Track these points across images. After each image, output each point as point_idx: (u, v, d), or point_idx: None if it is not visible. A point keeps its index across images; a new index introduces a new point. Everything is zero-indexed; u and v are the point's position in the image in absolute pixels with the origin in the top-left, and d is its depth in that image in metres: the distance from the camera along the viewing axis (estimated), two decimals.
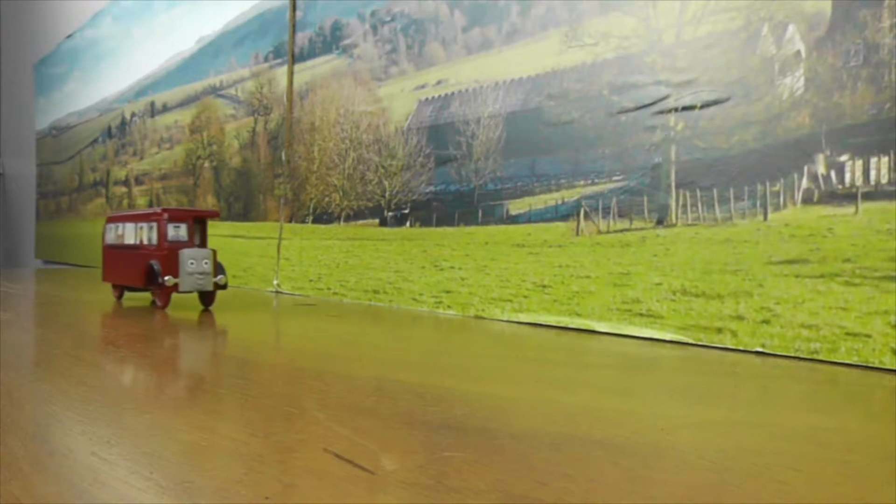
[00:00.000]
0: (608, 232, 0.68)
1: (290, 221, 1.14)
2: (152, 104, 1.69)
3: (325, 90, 1.09)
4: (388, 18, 0.98)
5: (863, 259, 0.51)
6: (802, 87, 0.56)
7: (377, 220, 0.97)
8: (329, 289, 1.02)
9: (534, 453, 0.29)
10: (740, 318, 0.58)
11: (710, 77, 0.61)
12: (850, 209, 0.53)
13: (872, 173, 0.52)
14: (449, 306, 0.84)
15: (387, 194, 0.95)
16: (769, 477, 0.27)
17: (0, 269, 2.23)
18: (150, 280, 0.82)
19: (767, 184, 0.57)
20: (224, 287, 0.82)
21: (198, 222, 0.84)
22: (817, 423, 0.36)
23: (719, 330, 0.59)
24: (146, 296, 0.96)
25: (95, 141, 2.02)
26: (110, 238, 0.93)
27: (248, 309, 0.88)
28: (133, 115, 1.80)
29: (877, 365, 0.50)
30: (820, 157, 0.54)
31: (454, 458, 0.29)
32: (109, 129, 1.93)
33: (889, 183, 0.51)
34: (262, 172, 1.24)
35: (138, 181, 1.73)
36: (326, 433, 0.32)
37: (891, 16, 0.51)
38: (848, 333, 0.52)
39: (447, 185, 0.86)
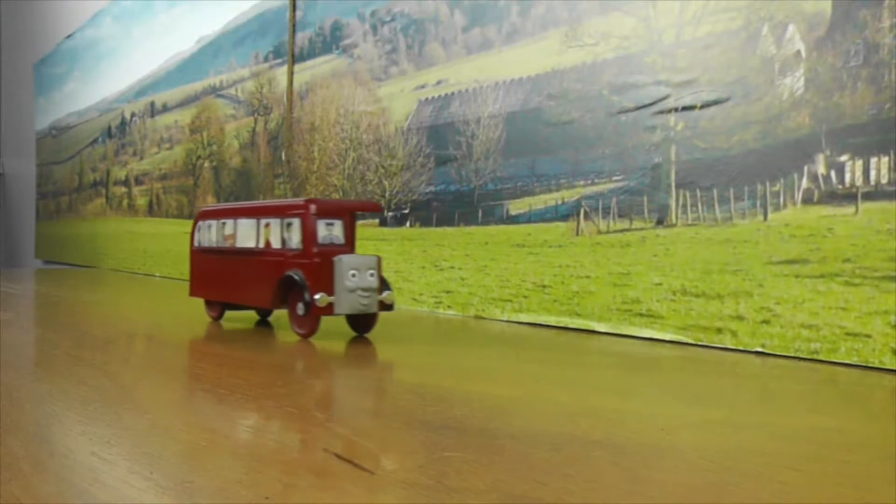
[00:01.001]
0: (608, 232, 0.68)
1: None
2: (152, 104, 1.69)
3: (325, 90, 1.09)
4: (388, 18, 0.98)
5: (863, 259, 0.51)
6: (802, 87, 0.56)
7: (377, 220, 0.97)
8: None
9: (534, 453, 0.29)
10: (740, 318, 0.58)
11: (710, 77, 0.61)
12: (850, 209, 0.53)
13: (872, 173, 0.52)
14: (449, 306, 0.84)
15: (387, 194, 0.95)
16: (769, 477, 0.27)
17: (0, 269, 2.23)
18: (285, 298, 0.61)
19: (767, 184, 0.57)
20: (391, 307, 0.60)
21: (344, 218, 0.62)
22: (817, 423, 0.36)
23: (719, 330, 0.59)
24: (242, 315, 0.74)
25: (95, 141, 2.02)
26: (208, 238, 0.71)
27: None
28: (133, 115, 1.80)
29: (877, 365, 0.50)
30: (820, 157, 0.54)
31: (454, 458, 0.29)
32: (109, 129, 1.93)
33: (889, 183, 0.51)
34: (262, 172, 1.24)
35: (138, 181, 1.73)
36: (326, 433, 0.32)
37: (891, 16, 0.51)
38: (848, 333, 0.52)
39: (447, 185, 0.86)
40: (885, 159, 0.51)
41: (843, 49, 0.53)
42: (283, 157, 1.17)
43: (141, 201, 1.71)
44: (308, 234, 0.58)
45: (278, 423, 0.34)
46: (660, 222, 0.64)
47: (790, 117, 0.56)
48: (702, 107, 0.61)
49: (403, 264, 0.91)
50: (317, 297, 0.56)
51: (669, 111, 0.63)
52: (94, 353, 0.54)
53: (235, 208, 0.68)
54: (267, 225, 0.63)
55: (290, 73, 1.17)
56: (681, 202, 0.63)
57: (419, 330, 0.72)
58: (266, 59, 1.26)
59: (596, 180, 0.70)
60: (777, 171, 0.57)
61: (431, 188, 0.89)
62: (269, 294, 0.61)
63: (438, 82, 0.89)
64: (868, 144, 0.52)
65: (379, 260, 0.59)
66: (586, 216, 0.70)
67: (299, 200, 0.60)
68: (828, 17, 0.54)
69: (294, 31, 1.18)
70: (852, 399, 0.44)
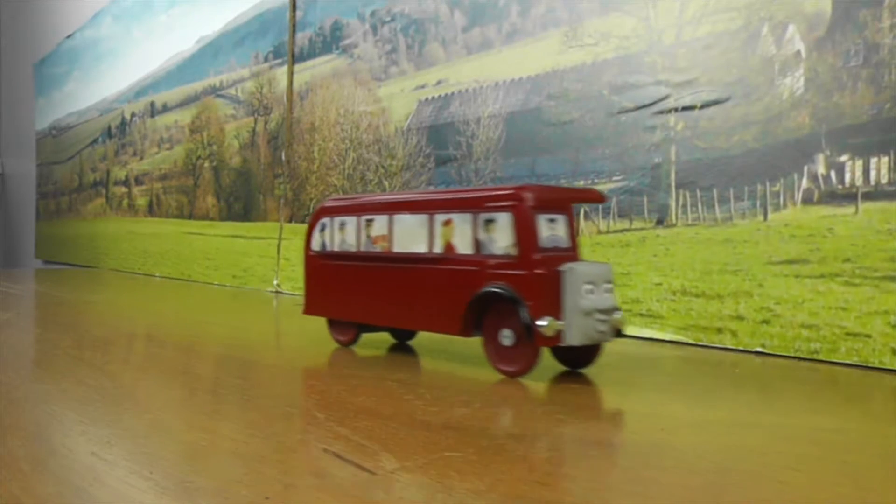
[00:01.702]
0: (608, 232, 0.68)
1: (290, 221, 1.14)
2: (152, 104, 1.69)
3: (325, 90, 1.09)
4: (388, 18, 0.98)
5: (863, 259, 0.51)
6: (802, 87, 0.56)
7: None
8: None
9: (534, 453, 0.29)
10: (740, 318, 0.58)
11: (710, 77, 0.61)
12: (850, 209, 0.53)
13: (872, 173, 0.52)
14: None
15: None
16: (769, 477, 0.27)
17: (0, 269, 2.23)
18: (479, 322, 0.46)
19: (767, 184, 0.57)
20: (621, 333, 0.44)
21: (566, 212, 0.46)
22: (817, 423, 0.36)
23: (719, 330, 0.59)
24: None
25: (95, 141, 2.02)
26: (340, 241, 0.54)
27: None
28: (133, 115, 1.80)
29: (877, 365, 0.50)
30: (820, 157, 0.54)
31: (454, 458, 0.29)
32: (109, 129, 1.93)
33: (889, 183, 0.51)
34: (262, 172, 1.24)
35: (138, 181, 1.73)
36: (326, 433, 0.32)
37: (891, 16, 0.51)
38: (848, 333, 0.52)
39: (447, 185, 0.86)
40: (885, 159, 0.51)
41: (843, 49, 0.53)
42: (283, 157, 1.17)
43: (141, 201, 1.71)
44: (526, 235, 0.43)
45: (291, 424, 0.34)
46: (660, 222, 0.64)
47: (790, 117, 0.56)
48: (702, 107, 0.61)
49: None
50: (543, 321, 0.41)
51: (669, 111, 0.63)
52: (94, 353, 0.54)
53: (389, 201, 0.51)
54: (447, 222, 0.47)
55: (290, 73, 1.17)
56: (681, 202, 0.63)
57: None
58: (266, 59, 1.26)
59: (596, 180, 0.70)
60: (777, 171, 0.57)
61: (431, 188, 0.88)
62: (457, 316, 0.45)
63: (438, 82, 0.89)
64: (868, 144, 0.52)
65: (612, 269, 0.45)
66: (586, 216, 0.70)
67: (506, 188, 0.44)
68: (828, 17, 0.54)
69: (294, 31, 1.18)
70: (852, 399, 0.44)
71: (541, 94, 0.75)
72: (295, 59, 1.17)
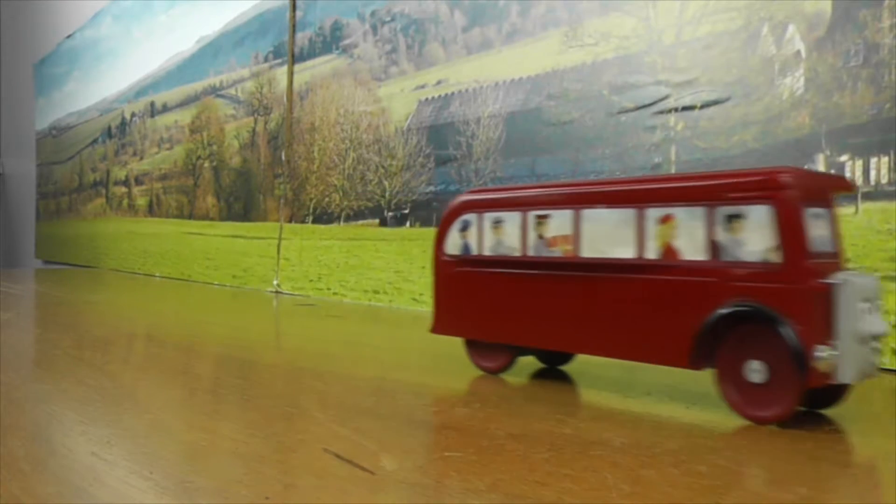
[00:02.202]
0: None
1: (290, 221, 1.15)
2: (152, 104, 1.69)
3: (325, 90, 1.09)
4: (388, 18, 0.98)
5: (863, 259, 0.51)
6: (802, 87, 0.56)
7: (377, 220, 0.97)
8: (329, 289, 1.02)
9: (534, 453, 0.29)
10: None
11: (710, 77, 0.61)
12: (850, 209, 0.53)
13: (872, 173, 0.52)
14: None
15: (387, 194, 0.95)
16: (769, 477, 0.27)
17: (0, 269, 2.23)
18: (712, 350, 0.35)
19: None
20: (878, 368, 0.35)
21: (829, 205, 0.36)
22: (817, 422, 0.36)
23: None
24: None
25: (95, 141, 2.02)
26: (493, 244, 0.44)
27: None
28: (133, 115, 1.80)
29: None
30: (820, 157, 0.54)
31: (454, 458, 0.29)
32: (109, 129, 1.93)
33: (889, 183, 0.51)
34: (262, 172, 1.24)
35: (138, 181, 1.73)
36: (326, 433, 0.32)
37: (891, 16, 0.51)
38: None
39: (447, 185, 0.86)
40: (885, 159, 0.51)
41: (843, 49, 0.53)
42: (283, 157, 1.17)
43: (141, 201, 1.71)
44: (794, 235, 0.33)
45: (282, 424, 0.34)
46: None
47: (790, 117, 0.56)
48: (702, 107, 0.61)
49: (403, 264, 0.91)
50: (821, 352, 0.32)
51: (669, 111, 0.63)
52: (94, 353, 0.55)
53: (574, 192, 0.40)
54: (665, 219, 0.36)
55: (290, 73, 1.17)
56: None
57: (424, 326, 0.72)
58: (266, 59, 1.26)
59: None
60: None
61: (431, 188, 0.89)
62: (683, 343, 0.35)
63: (438, 82, 0.89)
64: (868, 144, 0.52)
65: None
66: None
67: (757, 173, 0.34)
68: (828, 17, 0.54)
69: (294, 31, 1.18)
70: (852, 399, 0.44)
71: (541, 94, 0.75)
72: (295, 59, 1.17)
